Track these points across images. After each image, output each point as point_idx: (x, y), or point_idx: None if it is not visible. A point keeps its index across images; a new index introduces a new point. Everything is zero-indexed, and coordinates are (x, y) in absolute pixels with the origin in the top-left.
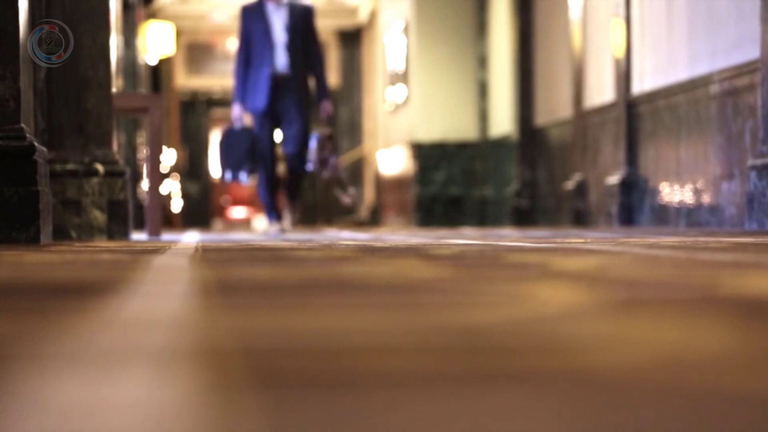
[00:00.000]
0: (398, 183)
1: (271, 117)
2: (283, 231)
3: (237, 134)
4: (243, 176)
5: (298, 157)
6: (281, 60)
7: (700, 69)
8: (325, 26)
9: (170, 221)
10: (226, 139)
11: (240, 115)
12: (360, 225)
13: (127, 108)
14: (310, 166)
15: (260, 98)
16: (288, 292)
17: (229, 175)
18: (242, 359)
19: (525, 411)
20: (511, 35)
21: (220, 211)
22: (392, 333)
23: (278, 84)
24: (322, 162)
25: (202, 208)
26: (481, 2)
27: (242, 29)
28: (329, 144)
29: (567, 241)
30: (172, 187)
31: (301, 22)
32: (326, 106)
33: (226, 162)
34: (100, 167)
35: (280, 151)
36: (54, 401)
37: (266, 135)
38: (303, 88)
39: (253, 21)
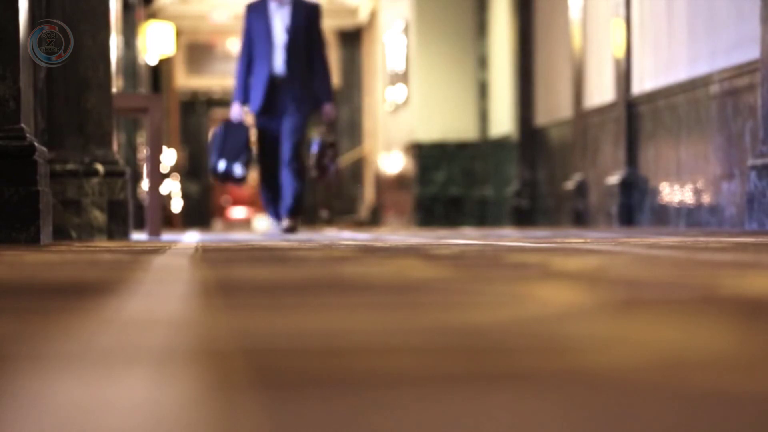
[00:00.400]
0: (398, 183)
1: (272, 118)
2: (286, 230)
3: (236, 126)
4: (237, 168)
5: (294, 152)
6: (280, 61)
7: (700, 69)
8: (325, 26)
9: (170, 221)
10: (224, 130)
11: (239, 115)
12: (360, 225)
13: (127, 108)
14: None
15: (257, 99)
16: (288, 292)
17: (223, 165)
18: (242, 359)
19: (525, 411)
20: (511, 35)
21: (220, 211)
22: (392, 333)
23: (277, 86)
24: (321, 169)
25: (202, 208)
26: (481, 2)
27: (245, 28)
28: (331, 151)
29: (567, 241)
30: (172, 187)
31: (304, 22)
32: (328, 110)
33: (222, 152)
34: (100, 167)
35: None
36: (54, 401)
37: (268, 134)
38: (304, 91)
39: (255, 20)
